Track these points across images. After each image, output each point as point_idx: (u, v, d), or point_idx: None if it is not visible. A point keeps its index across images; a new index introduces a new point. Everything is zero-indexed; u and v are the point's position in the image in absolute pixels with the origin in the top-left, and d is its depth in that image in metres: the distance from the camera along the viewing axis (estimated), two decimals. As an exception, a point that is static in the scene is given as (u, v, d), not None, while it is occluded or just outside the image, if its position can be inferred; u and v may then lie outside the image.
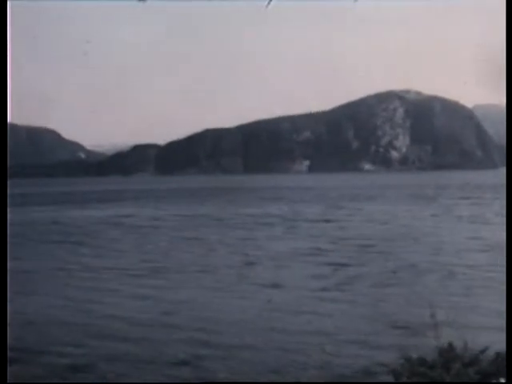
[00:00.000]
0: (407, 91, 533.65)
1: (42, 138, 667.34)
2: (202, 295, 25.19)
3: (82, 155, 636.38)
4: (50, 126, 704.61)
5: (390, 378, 10.94)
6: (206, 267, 32.43)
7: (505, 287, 9.70)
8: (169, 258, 36.58)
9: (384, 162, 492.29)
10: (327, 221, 59.12)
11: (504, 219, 16.84)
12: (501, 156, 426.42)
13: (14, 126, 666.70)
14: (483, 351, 10.12)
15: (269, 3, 9.36)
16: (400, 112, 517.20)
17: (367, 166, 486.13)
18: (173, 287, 27.27)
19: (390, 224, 55.05)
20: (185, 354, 17.18)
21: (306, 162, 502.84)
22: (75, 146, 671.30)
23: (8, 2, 11.79)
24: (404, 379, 12.11)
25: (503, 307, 9.58)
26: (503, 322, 9.49)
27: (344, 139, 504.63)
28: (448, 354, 10.17)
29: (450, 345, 10.18)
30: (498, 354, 10.08)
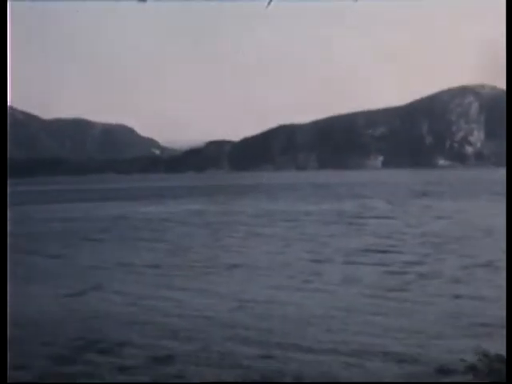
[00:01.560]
0: (482, 86, 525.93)
1: (117, 135, 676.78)
2: (271, 293, 25.04)
3: (157, 151, 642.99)
4: (125, 122, 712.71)
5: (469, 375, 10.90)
6: (276, 264, 32.30)
7: None
8: (240, 255, 36.53)
9: (458, 158, 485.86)
10: (393, 218, 58.47)
11: None
12: None
13: (90, 123, 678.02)
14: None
15: (269, 3, 9.23)
16: (475, 107, 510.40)
17: (441, 162, 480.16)
18: (243, 284, 27.16)
19: (461, 221, 54.16)
20: (248, 354, 17.08)
21: (381, 158, 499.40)
22: (150, 143, 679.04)
23: (8, 2, 11.78)
24: (482, 375, 12.06)
25: None
26: None
27: (418, 134, 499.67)
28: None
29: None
30: None
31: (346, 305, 22.45)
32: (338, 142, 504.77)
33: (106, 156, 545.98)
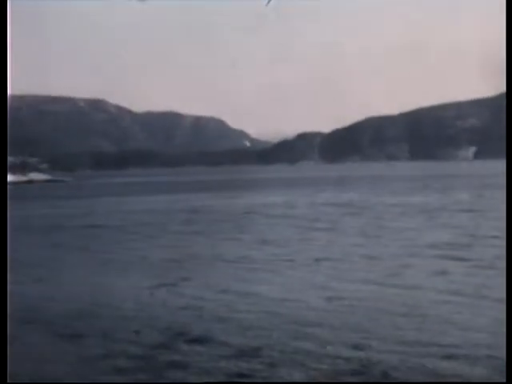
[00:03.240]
0: None
1: (208, 127, 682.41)
2: (357, 287, 24.96)
3: (247, 143, 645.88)
4: (216, 114, 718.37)
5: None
6: (361, 257, 32.17)
7: None
8: (328, 248, 36.47)
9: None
10: (480, 211, 57.24)
11: None
12: None
13: (180, 115, 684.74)
14: None
15: (269, 2, 9.11)
16: None
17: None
18: (335, 278, 27.12)
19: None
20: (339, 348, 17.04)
21: (472, 149, 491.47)
22: (240, 135, 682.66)
23: (8, 2, 11.86)
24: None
25: None
26: None
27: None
28: None
29: None
30: None
31: (435, 300, 22.20)
32: (427, 133, 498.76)
33: (197, 148, 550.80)
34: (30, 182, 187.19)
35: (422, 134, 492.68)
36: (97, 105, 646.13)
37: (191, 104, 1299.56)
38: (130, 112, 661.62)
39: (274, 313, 20.88)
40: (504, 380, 12.22)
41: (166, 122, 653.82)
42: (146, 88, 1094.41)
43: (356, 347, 16.84)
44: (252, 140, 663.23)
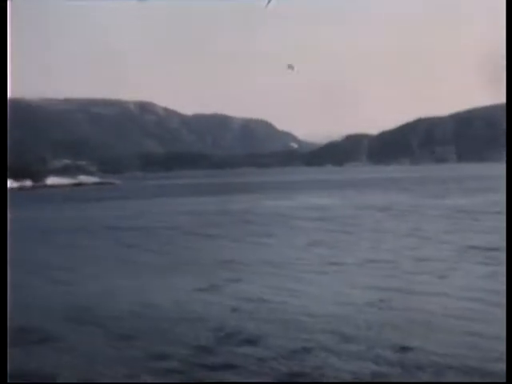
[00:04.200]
0: None
1: (256, 129, 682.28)
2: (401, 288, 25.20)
3: (295, 145, 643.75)
4: (264, 117, 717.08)
5: None
6: (411, 259, 32.36)
7: None
8: (376, 250, 36.69)
9: None
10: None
11: None
12: None
13: (229, 118, 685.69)
14: None
15: (268, 2, 9.41)
16: None
17: None
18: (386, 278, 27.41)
19: None
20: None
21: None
22: (288, 137, 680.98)
23: (8, 2, 12.23)
24: None
25: None
26: None
27: None
28: None
29: None
30: None
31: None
32: (477, 134, 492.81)
33: (246, 150, 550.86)
34: (79, 184, 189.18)
35: (471, 136, 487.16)
36: (146, 107, 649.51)
37: (239, 106, 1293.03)
38: (178, 114, 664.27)
39: (326, 315, 21.30)
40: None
41: (214, 124, 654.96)
42: (194, 90, 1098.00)
43: (401, 348, 17.25)
44: (299, 142, 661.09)
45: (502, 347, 15.57)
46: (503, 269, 28.93)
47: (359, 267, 30.61)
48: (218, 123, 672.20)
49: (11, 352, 16.92)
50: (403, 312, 21.22)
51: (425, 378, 14.94)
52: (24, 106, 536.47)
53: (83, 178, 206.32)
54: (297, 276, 28.88)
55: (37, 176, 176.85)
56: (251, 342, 18.33)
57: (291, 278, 28.47)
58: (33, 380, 15.81)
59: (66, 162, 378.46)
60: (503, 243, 37.65)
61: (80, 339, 19.12)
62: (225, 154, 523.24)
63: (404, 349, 17.11)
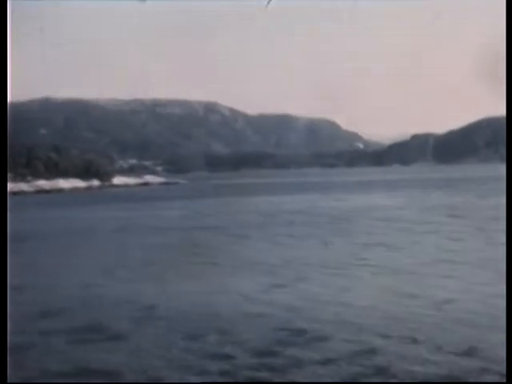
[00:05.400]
0: None
1: (321, 129, 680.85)
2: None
3: (360, 145, 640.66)
4: (330, 117, 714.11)
5: None
6: (480, 261, 32.06)
7: None
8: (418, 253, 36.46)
9: None
10: None
11: None
12: None
13: (293, 118, 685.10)
14: None
15: (268, 2, 9.29)
16: None
17: None
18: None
19: None
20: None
21: None
22: (353, 137, 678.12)
23: (8, 2, 12.22)
24: None
25: None
26: None
27: None
28: None
29: None
30: None
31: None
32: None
33: (311, 150, 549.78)
34: (146, 184, 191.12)
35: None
36: (211, 107, 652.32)
37: (305, 106, 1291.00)
38: (243, 114, 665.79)
39: (389, 317, 21.27)
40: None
41: (279, 124, 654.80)
42: (258, 90, 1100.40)
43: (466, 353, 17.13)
44: (365, 142, 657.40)
45: None
46: None
47: (428, 267, 30.47)
48: (282, 123, 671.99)
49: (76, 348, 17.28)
50: (467, 314, 21.03)
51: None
52: (92, 106, 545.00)
53: (149, 178, 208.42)
54: (360, 276, 28.92)
55: (104, 176, 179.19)
56: (317, 339, 18.47)
57: (356, 278, 28.49)
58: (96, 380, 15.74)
59: (132, 162, 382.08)
60: None
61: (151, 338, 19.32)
62: (290, 154, 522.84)
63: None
